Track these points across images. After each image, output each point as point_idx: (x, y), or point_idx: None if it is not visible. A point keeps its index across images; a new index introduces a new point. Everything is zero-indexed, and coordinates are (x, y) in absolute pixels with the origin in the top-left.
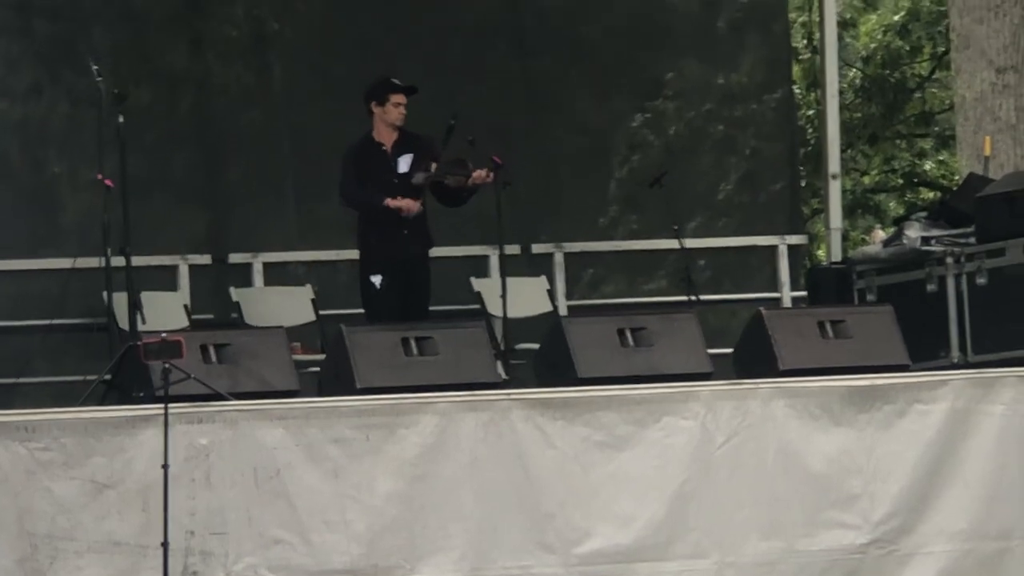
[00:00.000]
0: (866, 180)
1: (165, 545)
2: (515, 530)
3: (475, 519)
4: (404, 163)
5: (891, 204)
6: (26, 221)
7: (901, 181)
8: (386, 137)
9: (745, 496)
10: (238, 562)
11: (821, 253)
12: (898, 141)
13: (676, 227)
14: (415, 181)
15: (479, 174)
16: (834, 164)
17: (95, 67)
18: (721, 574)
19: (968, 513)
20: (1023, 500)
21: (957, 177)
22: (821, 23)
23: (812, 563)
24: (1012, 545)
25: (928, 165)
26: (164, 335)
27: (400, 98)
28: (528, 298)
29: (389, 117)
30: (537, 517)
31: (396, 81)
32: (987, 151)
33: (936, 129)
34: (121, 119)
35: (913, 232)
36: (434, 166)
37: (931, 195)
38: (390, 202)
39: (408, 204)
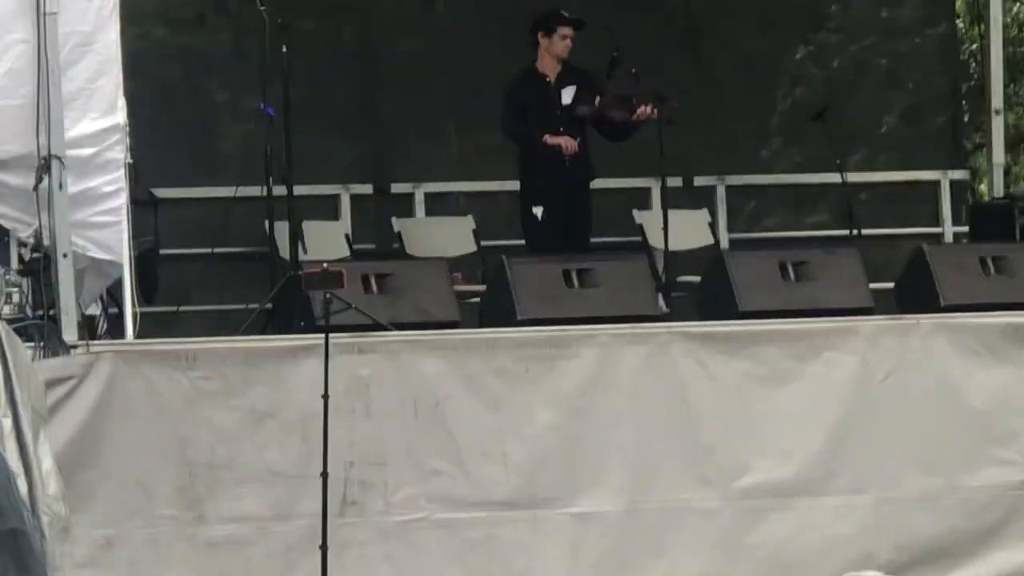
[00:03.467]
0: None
1: (324, 475)
2: (674, 463)
3: (634, 452)
4: (568, 95)
5: None
6: (188, 150)
7: None
8: (550, 69)
9: (905, 432)
10: (397, 493)
11: (983, 188)
12: None
13: (839, 161)
14: (578, 114)
15: (643, 110)
16: (997, 99)
17: None
18: (879, 510)
19: None
20: None
21: None
22: None
23: (972, 499)
24: None
25: None
26: (326, 265)
27: (568, 30)
28: (690, 231)
29: (555, 48)
30: (696, 451)
31: (565, 13)
32: None
33: None
34: (284, 49)
35: None
36: (598, 100)
37: None
38: (549, 139)
39: (567, 142)
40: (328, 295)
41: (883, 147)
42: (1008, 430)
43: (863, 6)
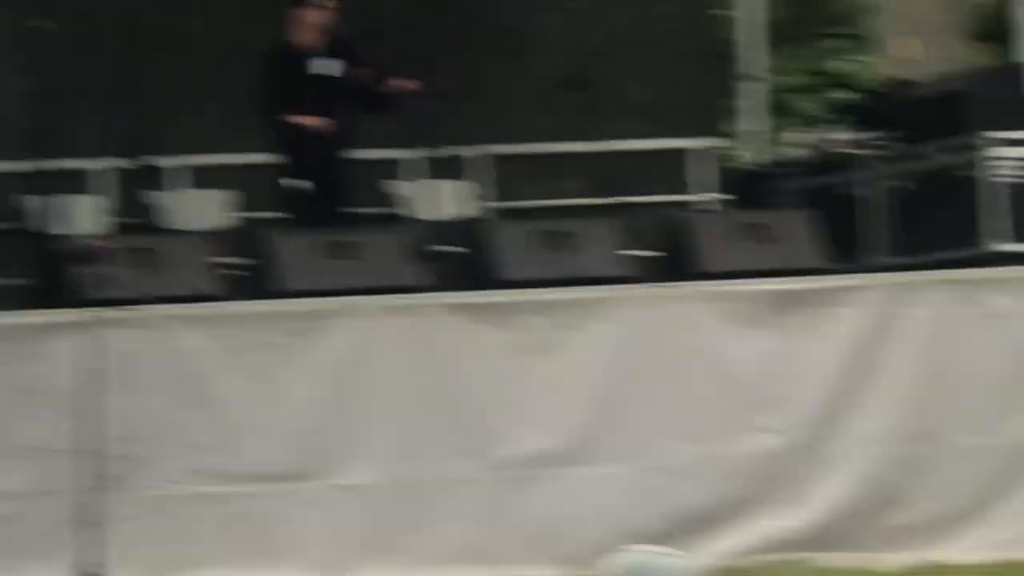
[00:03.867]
0: (781, 80)
1: (89, 450)
2: (439, 434)
3: (399, 424)
4: (325, 67)
5: (807, 104)
6: None
7: (817, 81)
8: (308, 39)
9: (669, 401)
10: (163, 467)
11: (741, 156)
12: (815, 42)
13: (597, 130)
14: (338, 85)
15: (401, 83)
16: (754, 65)
17: None
18: (644, 478)
19: (889, 415)
20: (943, 404)
21: (875, 79)
22: None
23: (734, 467)
24: (933, 449)
25: (844, 65)
26: (90, 239)
27: (323, 0)
28: (451, 201)
29: (311, 19)
30: (461, 421)
31: None
32: (912, 54)
33: (854, 30)
34: (41, 23)
35: (837, 135)
36: (357, 71)
37: (848, 96)
38: (294, 118)
39: (312, 121)
40: (93, 269)
41: (640, 115)
42: (770, 398)
43: None
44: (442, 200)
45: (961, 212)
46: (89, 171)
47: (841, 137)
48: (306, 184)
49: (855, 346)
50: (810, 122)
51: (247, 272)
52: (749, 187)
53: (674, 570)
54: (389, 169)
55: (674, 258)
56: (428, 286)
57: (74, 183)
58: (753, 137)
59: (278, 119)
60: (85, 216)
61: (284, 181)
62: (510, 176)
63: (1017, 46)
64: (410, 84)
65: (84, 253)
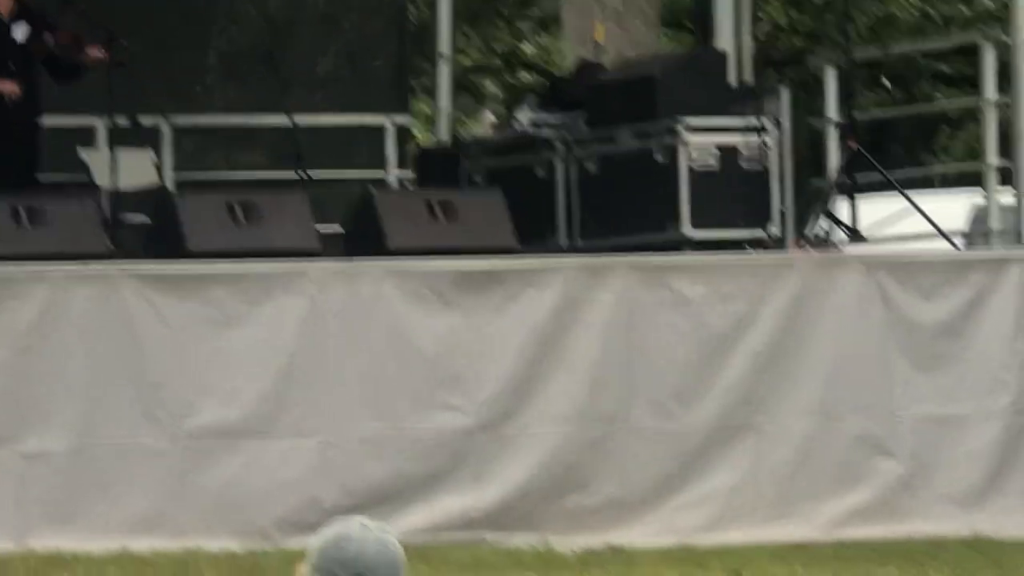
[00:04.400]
0: (466, 61)
1: None
2: (124, 403)
3: (84, 391)
4: (18, 32)
5: (490, 85)
6: None
7: (501, 63)
8: (4, 6)
9: (353, 376)
10: None
11: (420, 132)
12: (499, 22)
13: (284, 103)
14: (30, 52)
15: (94, 52)
16: (444, 44)
17: None
18: (326, 453)
19: (573, 397)
20: (626, 386)
21: (558, 61)
22: None
23: (419, 444)
24: (614, 429)
25: (528, 47)
26: None
27: None
28: (136, 170)
29: None
30: (146, 391)
31: None
32: (599, 37)
33: (537, 11)
34: None
35: (523, 116)
36: (49, 37)
37: (530, 78)
38: None
39: (8, 87)
40: None
41: (322, 88)
42: (455, 375)
43: None
44: (128, 169)
45: (649, 197)
46: None
47: (529, 119)
48: None
49: (541, 327)
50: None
51: None
52: (436, 166)
53: (378, 543)
54: (75, 136)
55: (361, 234)
56: (114, 255)
57: None
58: (440, 116)
59: None
60: None
61: None
62: (197, 147)
63: (715, 33)
64: (97, 51)
65: None
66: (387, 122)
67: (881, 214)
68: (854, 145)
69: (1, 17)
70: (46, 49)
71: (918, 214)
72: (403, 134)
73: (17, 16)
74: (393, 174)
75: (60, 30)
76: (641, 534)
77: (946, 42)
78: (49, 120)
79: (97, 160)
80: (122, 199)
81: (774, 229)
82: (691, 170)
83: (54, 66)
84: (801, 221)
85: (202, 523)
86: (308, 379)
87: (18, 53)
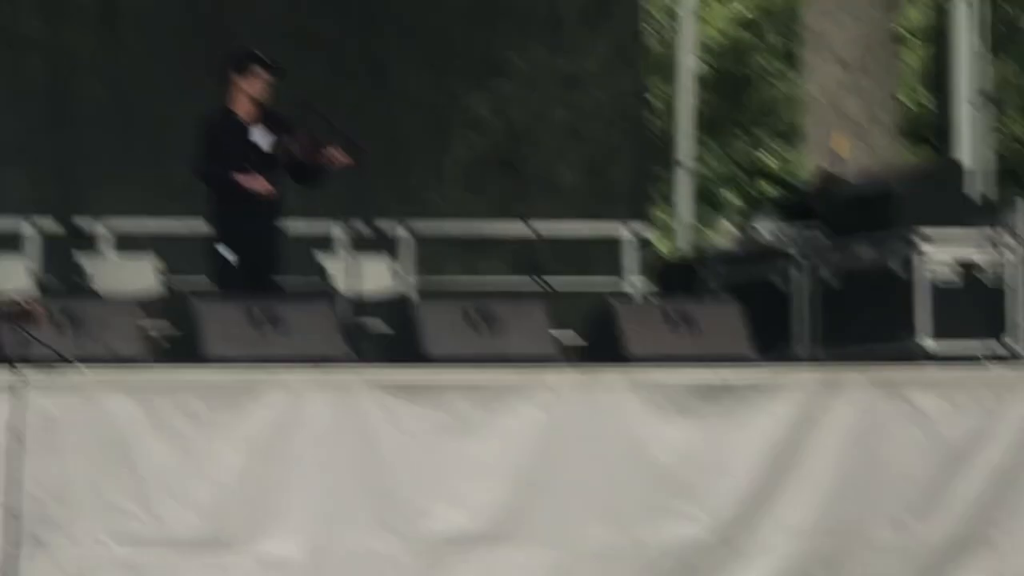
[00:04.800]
0: (707, 171)
1: (8, 511)
2: (359, 510)
3: (320, 497)
4: (260, 137)
5: (731, 196)
6: None
7: (742, 173)
8: (245, 110)
9: (589, 485)
10: (81, 530)
11: (661, 242)
12: (741, 133)
13: (523, 211)
14: (271, 156)
15: (334, 155)
16: (683, 153)
17: None
18: (562, 562)
19: (811, 511)
20: (865, 499)
21: (800, 172)
22: (676, 12)
23: (654, 554)
24: (849, 542)
25: (770, 159)
26: (18, 299)
27: (262, 71)
28: (375, 276)
29: (252, 89)
30: (382, 498)
31: (262, 55)
32: (841, 150)
33: (779, 123)
34: None
35: (763, 227)
36: (291, 143)
37: (772, 189)
38: (241, 179)
39: (261, 184)
40: (19, 329)
41: (563, 198)
42: (691, 486)
43: (542, 55)
44: (368, 275)
45: (886, 308)
46: (17, 232)
47: (768, 229)
48: (233, 253)
49: (777, 438)
50: (737, 213)
51: (172, 338)
52: (675, 276)
53: None
54: (316, 241)
55: (599, 343)
56: (352, 360)
57: (3, 242)
58: (679, 225)
59: (223, 178)
60: (13, 277)
61: (219, 247)
62: (436, 253)
63: (954, 145)
64: (342, 158)
65: (10, 314)
66: (626, 231)
67: None
68: None
69: (242, 120)
70: (287, 153)
71: None
72: (642, 243)
73: (258, 120)
74: (632, 283)
75: (300, 134)
76: None
77: None
78: (291, 225)
79: (336, 265)
80: (360, 305)
81: (1011, 342)
82: (928, 282)
83: (295, 170)
84: None
85: None
86: (545, 488)
87: (259, 156)
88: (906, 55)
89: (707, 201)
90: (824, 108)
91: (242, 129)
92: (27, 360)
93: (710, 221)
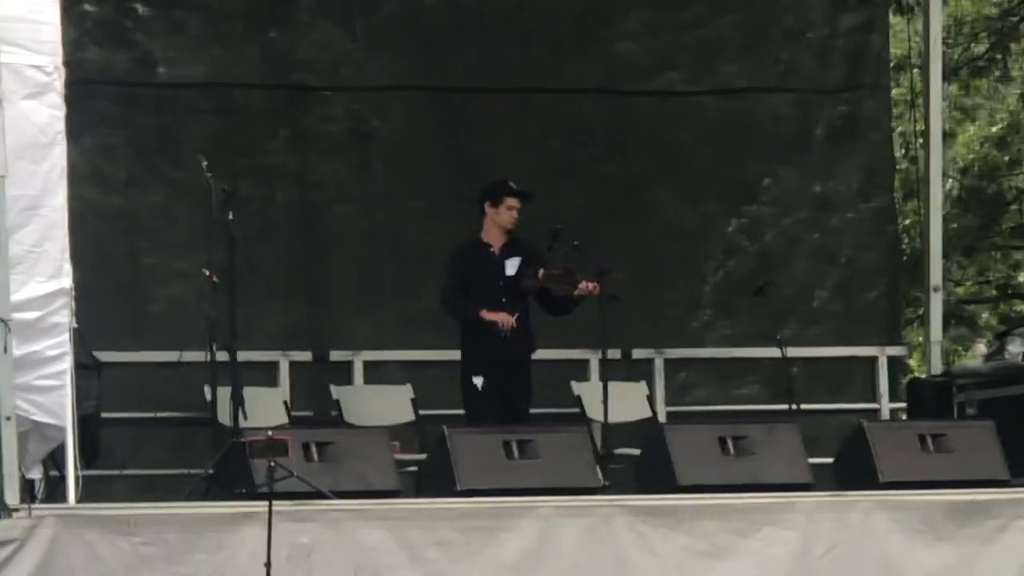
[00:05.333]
0: (960, 291)
1: None
2: None
3: None
4: (511, 266)
5: (984, 315)
6: (122, 312)
7: (995, 292)
8: (495, 239)
9: None
10: None
11: (913, 363)
12: (993, 252)
13: (779, 336)
14: (522, 287)
15: (585, 286)
16: (936, 276)
17: (205, 163)
18: None
19: None
20: None
21: None
22: (926, 132)
23: None
24: None
25: (1023, 277)
26: (270, 433)
27: (514, 201)
28: (628, 403)
29: (501, 219)
30: None
31: (513, 185)
32: None
33: None
34: (231, 215)
35: (1015, 347)
36: (542, 273)
37: None
38: (486, 314)
39: (504, 318)
40: (271, 463)
41: (816, 321)
42: None
43: (796, 180)
44: (620, 401)
45: None
46: (270, 363)
47: (1019, 349)
48: (483, 380)
49: None
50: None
51: (424, 468)
52: (928, 396)
53: None
54: (567, 369)
55: (852, 466)
56: (605, 488)
57: (259, 374)
58: (931, 346)
59: (471, 313)
60: (268, 408)
61: (473, 378)
62: (689, 379)
63: None
64: (589, 285)
65: (265, 446)
66: (880, 354)
67: None
68: None
69: (492, 250)
70: (537, 283)
71: None
72: (896, 365)
73: (510, 250)
74: (885, 406)
75: (552, 264)
76: None
77: None
78: (542, 353)
79: (589, 392)
80: (613, 431)
81: None
82: None
83: (546, 299)
84: None
85: None
86: None
87: (510, 286)
88: None
89: (963, 322)
90: None
91: (492, 258)
92: (281, 492)
93: (966, 342)
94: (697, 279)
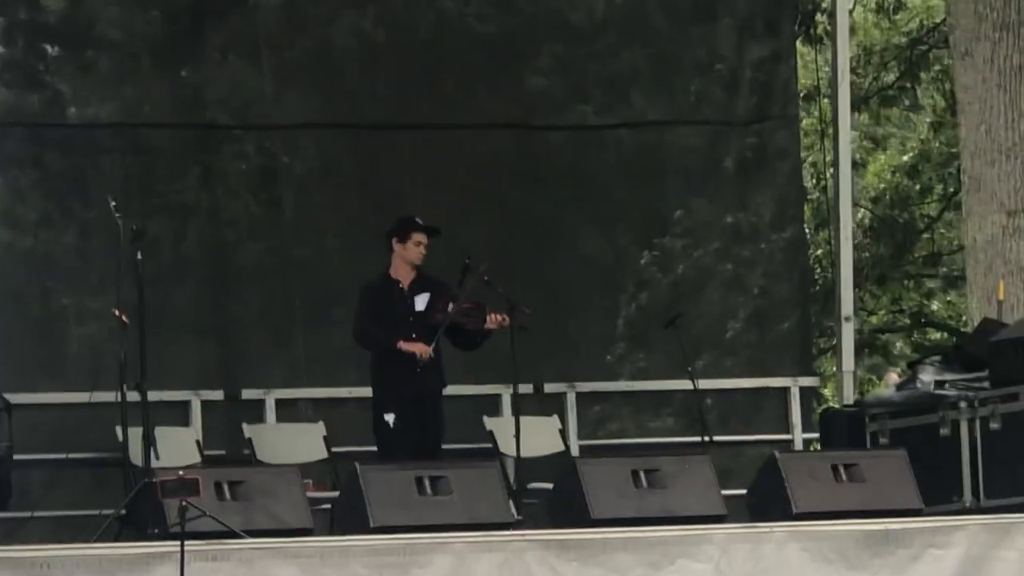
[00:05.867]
0: (873, 320)
1: None
2: None
3: None
4: (421, 302)
5: (898, 344)
6: (34, 353)
7: (908, 321)
8: (404, 275)
9: None
10: None
11: (827, 392)
12: (906, 281)
13: (690, 369)
14: (432, 322)
15: (495, 318)
16: (847, 306)
17: (113, 203)
18: None
19: None
20: None
21: (965, 318)
22: (836, 163)
23: None
24: None
25: (936, 305)
26: (181, 472)
27: (422, 237)
28: (540, 437)
29: (409, 255)
30: None
31: (420, 221)
32: (1001, 295)
33: (944, 270)
34: (140, 255)
35: (927, 376)
36: (451, 307)
37: (938, 336)
38: (403, 345)
39: (421, 348)
40: (183, 502)
41: (729, 352)
42: None
43: (707, 211)
44: (532, 436)
45: None
46: (181, 402)
47: (931, 378)
48: (394, 416)
49: None
50: (900, 361)
51: (337, 506)
52: (840, 427)
53: None
54: (479, 404)
55: (766, 497)
56: (517, 523)
57: (171, 414)
58: (842, 377)
59: (390, 343)
60: (180, 447)
61: (385, 415)
62: (602, 413)
63: None
64: (498, 319)
65: (177, 486)
66: (793, 385)
67: None
68: None
69: (402, 286)
70: (447, 318)
71: None
72: (809, 396)
73: (417, 284)
74: (798, 436)
75: (460, 298)
76: None
77: None
78: (454, 389)
79: (501, 427)
80: (526, 466)
81: None
82: None
83: (456, 333)
84: None
85: None
86: None
87: (420, 321)
88: None
89: (876, 350)
90: (988, 254)
91: (402, 295)
92: (193, 532)
93: (880, 371)
94: (610, 311)
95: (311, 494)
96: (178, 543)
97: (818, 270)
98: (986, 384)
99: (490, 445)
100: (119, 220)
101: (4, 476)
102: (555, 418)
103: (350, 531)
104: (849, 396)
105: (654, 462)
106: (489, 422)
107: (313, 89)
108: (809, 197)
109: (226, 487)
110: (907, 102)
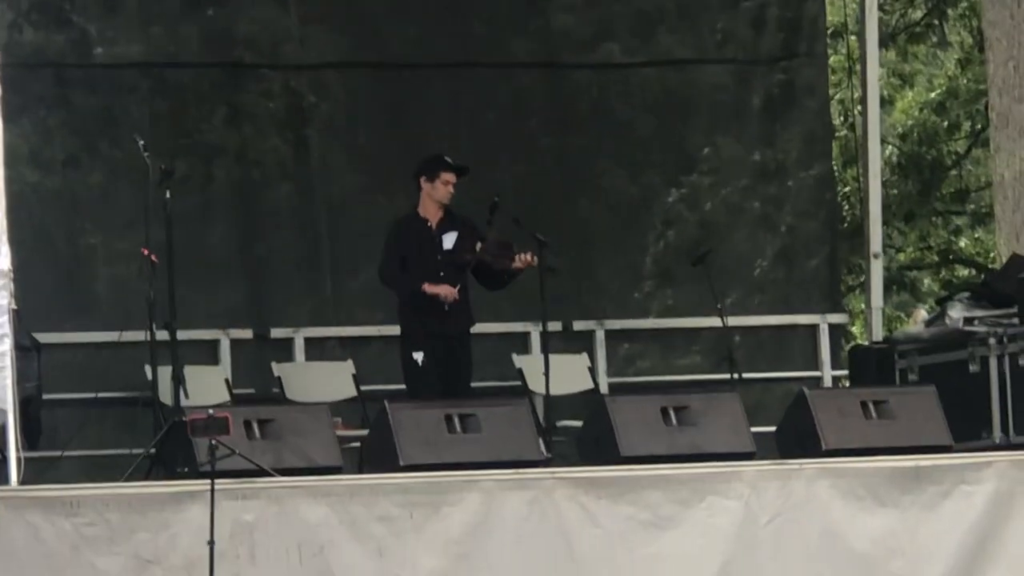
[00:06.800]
0: (901, 257)
1: None
2: None
3: None
4: (449, 241)
5: (926, 281)
6: (62, 293)
7: (936, 258)
8: (432, 214)
9: None
10: None
11: (856, 330)
12: (934, 218)
13: (720, 306)
14: (460, 261)
15: (523, 257)
16: (875, 243)
17: (141, 142)
18: None
19: None
20: None
21: (993, 255)
22: (864, 99)
23: None
24: None
25: (963, 242)
26: (211, 411)
27: (451, 176)
28: (569, 375)
29: (437, 194)
30: None
31: (448, 159)
32: None
33: (972, 207)
34: (168, 194)
35: (955, 312)
36: (479, 246)
37: (966, 272)
38: (428, 288)
39: (447, 291)
40: (213, 441)
41: (757, 290)
42: (891, 574)
43: (734, 149)
44: (561, 374)
45: None
46: (210, 341)
47: (960, 314)
48: (423, 356)
49: (975, 523)
50: (928, 298)
51: (366, 444)
52: (869, 364)
53: None
54: (507, 342)
55: (795, 434)
56: (547, 461)
57: (201, 353)
58: (872, 314)
59: (413, 287)
60: (209, 386)
61: (414, 353)
62: (631, 351)
63: None
64: (526, 258)
65: (206, 424)
66: (821, 322)
67: None
68: None
69: (430, 225)
70: (475, 257)
71: None
72: (838, 333)
73: (447, 224)
74: (827, 373)
75: (488, 238)
76: None
77: None
78: (483, 327)
79: (530, 365)
80: (555, 404)
81: None
82: None
83: (483, 272)
84: None
85: None
86: None
87: (449, 260)
88: None
89: (905, 288)
90: (1016, 190)
91: (429, 233)
92: (223, 470)
93: (908, 308)
94: (638, 250)
95: (340, 432)
96: (208, 482)
97: (846, 207)
98: (1015, 320)
99: (519, 383)
100: (147, 160)
101: (34, 416)
102: (584, 356)
103: (379, 469)
104: (878, 333)
105: (683, 399)
106: (518, 360)
107: (340, 29)
108: (837, 134)
109: (255, 426)
110: (935, 38)
